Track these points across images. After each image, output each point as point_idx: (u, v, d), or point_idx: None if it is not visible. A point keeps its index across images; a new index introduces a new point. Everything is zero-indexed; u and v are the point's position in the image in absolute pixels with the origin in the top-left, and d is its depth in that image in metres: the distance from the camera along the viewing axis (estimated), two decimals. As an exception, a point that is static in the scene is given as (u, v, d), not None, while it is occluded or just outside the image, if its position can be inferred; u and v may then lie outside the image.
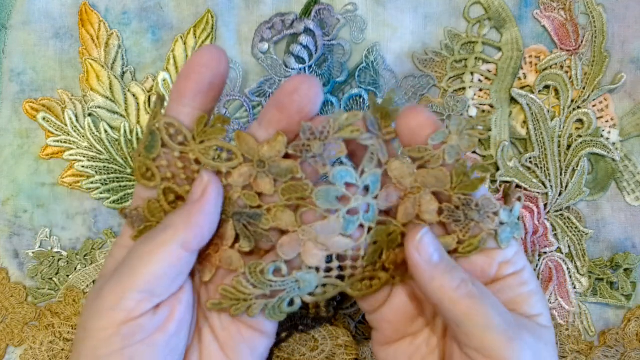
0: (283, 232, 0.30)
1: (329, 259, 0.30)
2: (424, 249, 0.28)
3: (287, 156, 0.29)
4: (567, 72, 0.41)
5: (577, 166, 0.40)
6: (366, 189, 0.29)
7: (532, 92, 0.41)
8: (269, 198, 0.29)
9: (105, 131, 0.41)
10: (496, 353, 0.26)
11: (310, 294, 0.30)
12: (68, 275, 0.41)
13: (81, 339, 0.27)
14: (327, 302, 0.39)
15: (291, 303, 0.30)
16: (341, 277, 0.30)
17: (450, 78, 0.41)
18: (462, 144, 0.29)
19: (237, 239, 0.30)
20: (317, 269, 0.30)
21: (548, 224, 0.41)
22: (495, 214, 0.29)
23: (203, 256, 0.30)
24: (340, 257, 0.30)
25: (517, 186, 0.41)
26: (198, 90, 0.28)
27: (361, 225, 0.29)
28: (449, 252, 0.30)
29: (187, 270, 0.28)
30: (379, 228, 0.30)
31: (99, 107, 0.41)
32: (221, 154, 0.29)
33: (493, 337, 0.26)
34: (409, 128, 0.29)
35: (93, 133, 0.41)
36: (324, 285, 0.30)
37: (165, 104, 0.29)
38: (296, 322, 0.40)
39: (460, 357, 0.28)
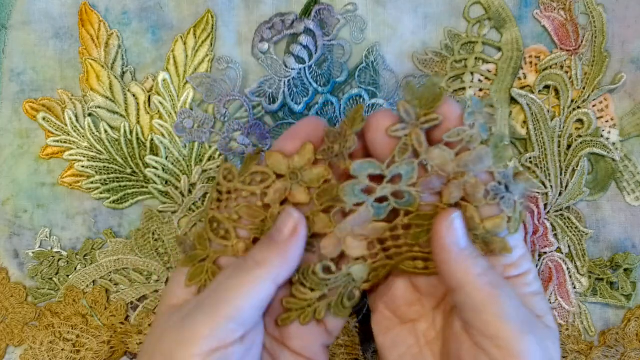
0: (321, 236, 0.31)
1: (372, 247, 0.31)
2: (454, 232, 0.28)
3: (315, 164, 0.30)
4: (567, 72, 0.41)
5: (577, 166, 0.40)
6: (398, 177, 0.29)
7: (532, 92, 0.41)
8: (305, 207, 0.30)
9: (105, 131, 0.41)
10: (508, 344, 0.27)
11: (366, 281, 0.31)
12: (68, 275, 0.41)
13: None
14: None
15: (351, 297, 0.31)
16: (389, 258, 0.31)
17: (450, 78, 0.41)
18: (487, 121, 0.29)
19: None
20: (364, 258, 0.31)
21: (548, 224, 0.41)
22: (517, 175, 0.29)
23: None
24: (382, 241, 0.31)
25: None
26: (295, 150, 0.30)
27: (395, 210, 0.29)
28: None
29: (270, 299, 0.30)
30: (423, 212, 0.29)
31: (99, 107, 0.41)
32: (255, 178, 0.30)
33: (508, 327, 0.27)
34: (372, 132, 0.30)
35: (93, 133, 0.41)
36: (376, 270, 0.31)
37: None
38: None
39: (470, 345, 0.28)
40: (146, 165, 0.41)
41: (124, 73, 0.41)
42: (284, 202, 0.30)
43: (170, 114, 0.41)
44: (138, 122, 0.41)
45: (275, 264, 0.29)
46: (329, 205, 0.30)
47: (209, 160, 0.41)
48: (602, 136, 0.41)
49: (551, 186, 0.41)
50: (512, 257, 0.30)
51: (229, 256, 0.31)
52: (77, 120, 0.41)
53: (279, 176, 0.30)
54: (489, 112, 0.29)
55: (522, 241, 0.31)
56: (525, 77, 0.41)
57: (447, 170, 0.29)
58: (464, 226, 0.29)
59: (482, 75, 0.41)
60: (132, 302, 0.41)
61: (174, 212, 0.41)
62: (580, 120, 0.41)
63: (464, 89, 0.41)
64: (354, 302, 0.31)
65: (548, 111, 0.41)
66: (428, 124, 0.29)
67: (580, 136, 0.41)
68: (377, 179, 0.29)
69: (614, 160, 0.41)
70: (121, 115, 0.41)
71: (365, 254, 0.31)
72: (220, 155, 0.41)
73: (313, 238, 0.31)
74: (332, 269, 0.30)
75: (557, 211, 0.41)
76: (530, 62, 0.41)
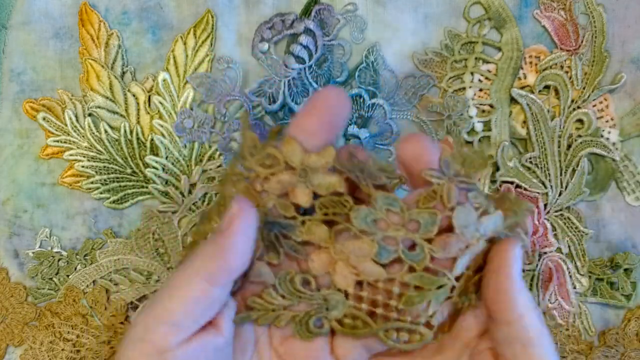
0: (314, 247, 0.29)
1: (359, 288, 0.29)
2: (519, 262, 0.27)
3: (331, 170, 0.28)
4: (567, 72, 0.41)
5: (577, 166, 0.40)
6: (415, 224, 0.27)
7: (532, 92, 0.41)
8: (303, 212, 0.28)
9: (105, 131, 0.41)
10: None
11: (339, 322, 0.29)
12: (68, 275, 0.41)
13: None
14: None
15: (318, 324, 0.29)
16: (373, 315, 0.29)
17: (450, 78, 0.41)
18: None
19: (264, 251, 0.29)
20: (346, 294, 0.29)
21: (548, 224, 0.41)
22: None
23: None
24: (372, 289, 0.28)
25: (517, 186, 0.41)
26: (319, 127, 0.27)
27: (400, 260, 0.28)
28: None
29: (219, 303, 0.27)
30: (427, 275, 0.28)
31: (99, 107, 0.41)
32: (267, 159, 0.27)
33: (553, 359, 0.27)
34: (408, 156, 0.28)
35: (93, 133, 0.41)
36: (354, 319, 0.29)
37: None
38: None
39: None
40: (146, 165, 0.41)
41: (124, 73, 0.41)
42: (283, 195, 0.28)
43: (170, 114, 0.41)
44: (138, 122, 0.41)
45: (207, 260, 0.26)
46: (333, 219, 0.28)
47: (209, 160, 0.41)
48: (602, 136, 0.41)
49: (551, 186, 0.41)
50: None
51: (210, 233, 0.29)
52: (77, 120, 0.41)
53: (289, 167, 0.27)
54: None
55: None
56: (525, 77, 0.41)
57: (466, 233, 0.27)
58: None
59: (482, 75, 0.41)
60: (132, 302, 0.41)
61: (174, 212, 0.41)
62: (580, 120, 0.41)
63: (464, 89, 0.41)
64: (319, 332, 0.29)
65: (548, 111, 0.41)
66: (465, 184, 0.27)
67: (580, 136, 0.41)
68: (394, 218, 0.27)
69: (614, 160, 0.41)
70: (121, 115, 0.41)
71: (350, 291, 0.28)
72: (220, 155, 0.41)
73: (306, 246, 0.29)
74: (311, 284, 0.29)
75: (557, 211, 0.41)
76: (530, 62, 0.41)
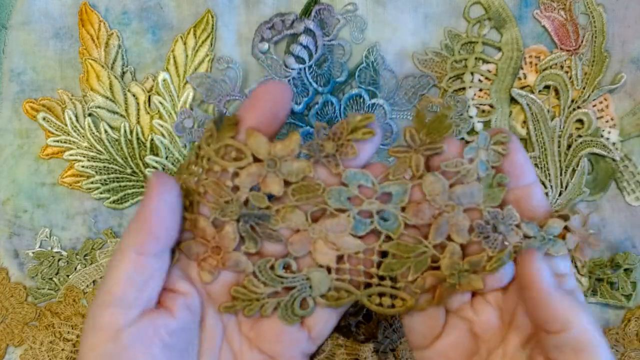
0: (291, 230, 0.30)
1: (340, 262, 0.30)
2: (547, 271, 0.27)
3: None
4: (567, 72, 0.41)
5: (577, 166, 0.40)
6: (387, 196, 0.28)
7: (532, 92, 0.41)
8: (277, 199, 0.29)
9: (105, 131, 0.41)
10: None
11: (323, 297, 0.30)
12: (68, 275, 0.41)
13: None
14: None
15: (304, 305, 0.30)
16: (354, 284, 0.30)
17: (450, 78, 0.41)
18: (490, 158, 0.29)
19: (241, 240, 0.29)
20: (329, 269, 0.30)
21: (548, 224, 0.41)
22: (518, 226, 0.28)
23: (201, 258, 0.30)
24: (353, 260, 0.30)
25: None
26: (261, 119, 0.28)
27: (377, 232, 0.29)
28: (478, 271, 0.29)
29: (158, 276, 0.28)
30: (405, 243, 0.29)
31: (99, 107, 0.41)
32: (230, 152, 0.28)
33: None
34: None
35: (93, 133, 0.41)
36: (338, 290, 0.30)
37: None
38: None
39: None
40: (146, 165, 0.41)
41: (124, 73, 0.41)
42: (253, 187, 0.29)
43: (170, 114, 0.41)
44: (138, 122, 0.41)
45: (131, 232, 0.27)
46: (307, 203, 0.29)
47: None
48: (602, 136, 0.41)
49: (551, 186, 0.41)
50: (558, 268, 0.29)
51: (185, 229, 0.29)
52: (77, 120, 0.41)
53: (256, 160, 0.28)
54: (497, 149, 0.29)
55: (568, 267, 0.30)
56: (525, 77, 0.41)
57: (438, 200, 0.28)
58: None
59: (482, 75, 0.41)
60: (132, 302, 0.41)
61: (174, 212, 0.41)
62: (580, 120, 0.41)
63: (464, 89, 0.41)
64: (305, 313, 0.30)
65: (548, 111, 0.41)
66: (430, 151, 0.28)
67: (580, 136, 0.41)
68: (367, 192, 0.29)
69: (614, 160, 0.41)
70: (121, 115, 0.41)
71: (332, 266, 0.29)
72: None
73: (280, 232, 0.29)
74: (292, 267, 0.29)
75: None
76: (530, 62, 0.41)
